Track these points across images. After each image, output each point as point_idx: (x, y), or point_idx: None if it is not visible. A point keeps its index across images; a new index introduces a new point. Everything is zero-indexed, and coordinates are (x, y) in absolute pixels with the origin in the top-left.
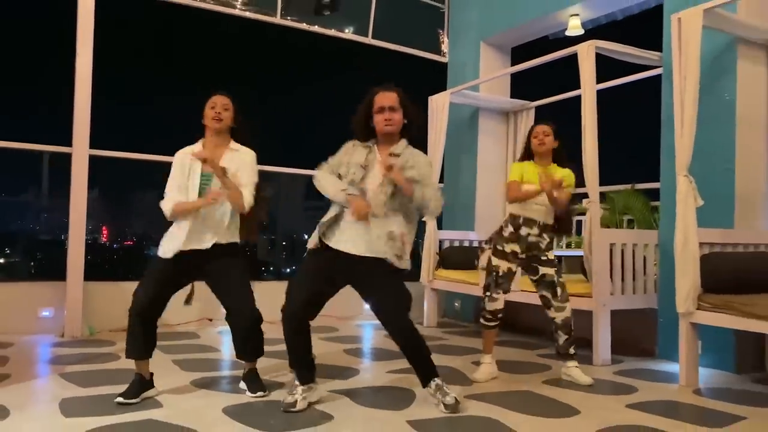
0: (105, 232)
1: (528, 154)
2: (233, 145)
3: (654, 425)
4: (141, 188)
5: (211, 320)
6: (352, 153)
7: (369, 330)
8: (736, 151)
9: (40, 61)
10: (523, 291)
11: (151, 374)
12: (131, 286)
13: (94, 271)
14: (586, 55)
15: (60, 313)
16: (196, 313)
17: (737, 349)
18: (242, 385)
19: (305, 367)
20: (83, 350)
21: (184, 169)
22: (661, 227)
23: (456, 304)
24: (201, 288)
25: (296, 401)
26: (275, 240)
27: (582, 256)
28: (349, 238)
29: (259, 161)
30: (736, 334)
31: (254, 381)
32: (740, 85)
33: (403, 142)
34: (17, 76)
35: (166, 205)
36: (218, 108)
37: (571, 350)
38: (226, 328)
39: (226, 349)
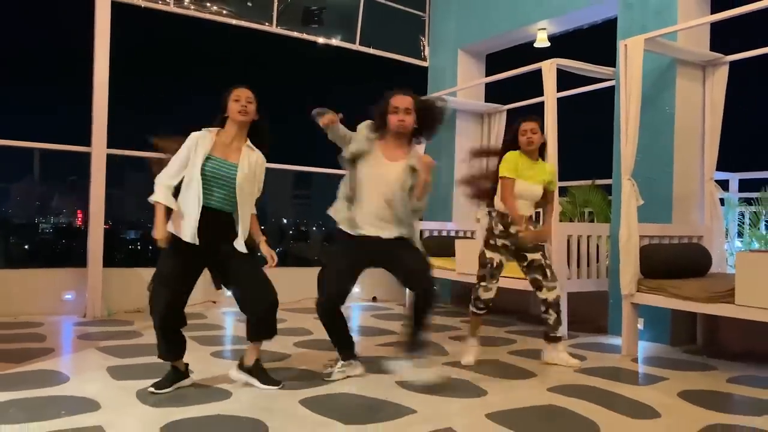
0: (80, 215)
1: (513, 149)
2: (249, 144)
3: (593, 384)
4: (123, 174)
5: (214, 302)
6: (360, 138)
7: (356, 311)
8: (674, 157)
9: (59, 66)
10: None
11: (186, 365)
12: (144, 271)
13: (69, 257)
14: (549, 71)
15: (81, 296)
16: (200, 296)
17: (673, 325)
18: (238, 375)
19: (345, 346)
20: (108, 329)
21: (189, 152)
22: (613, 221)
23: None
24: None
25: (332, 372)
26: (264, 228)
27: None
28: (372, 224)
29: None
30: (672, 312)
31: (264, 374)
32: (679, 99)
33: (414, 149)
34: (37, 79)
35: (157, 194)
36: (243, 101)
37: (558, 332)
38: (232, 308)
39: (233, 326)
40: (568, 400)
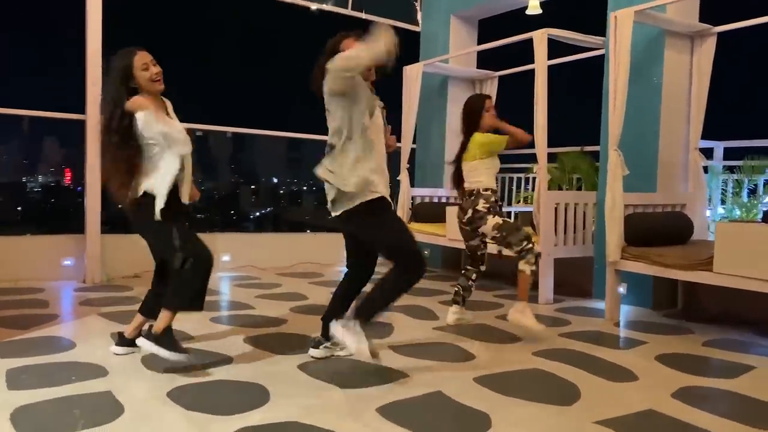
0: (68, 174)
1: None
2: (166, 101)
3: (576, 348)
4: None
5: None
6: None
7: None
8: (661, 127)
9: (55, 34)
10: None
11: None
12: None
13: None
14: (540, 41)
15: (80, 262)
16: None
17: (655, 290)
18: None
19: None
20: (108, 294)
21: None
22: (600, 189)
23: (425, 253)
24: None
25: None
26: (258, 191)
27: (532, 211)
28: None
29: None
30: (654, 278)
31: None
32: (666, 70)
33: None
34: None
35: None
36: (157, 68)
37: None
38: (227, 273)
39: (230, 291)
40: (551, 364)
